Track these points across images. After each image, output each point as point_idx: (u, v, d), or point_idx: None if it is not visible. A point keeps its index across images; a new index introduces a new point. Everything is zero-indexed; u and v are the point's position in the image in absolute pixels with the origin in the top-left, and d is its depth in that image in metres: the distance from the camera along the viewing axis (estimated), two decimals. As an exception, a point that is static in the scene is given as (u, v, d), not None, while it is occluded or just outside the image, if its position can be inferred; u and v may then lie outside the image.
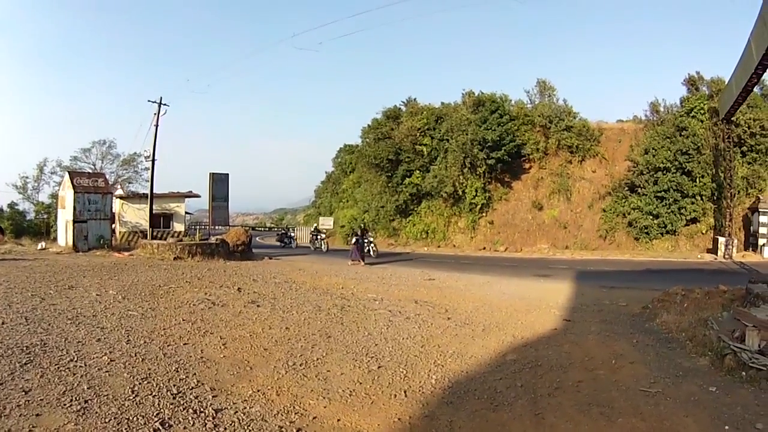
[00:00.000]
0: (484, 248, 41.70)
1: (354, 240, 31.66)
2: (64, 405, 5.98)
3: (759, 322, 9.13)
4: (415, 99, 53.33)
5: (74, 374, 7.11)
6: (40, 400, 6.07)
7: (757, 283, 13.69)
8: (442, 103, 51.68)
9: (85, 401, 6.14)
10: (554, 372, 8.56)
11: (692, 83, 42.91)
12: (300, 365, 8.50)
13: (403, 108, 53.18)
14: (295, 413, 6.44)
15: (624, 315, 13.49)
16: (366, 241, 32.59)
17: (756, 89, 36.34)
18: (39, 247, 31.34)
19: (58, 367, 7.34)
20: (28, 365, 7.32)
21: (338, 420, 6.34)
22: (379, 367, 8.57)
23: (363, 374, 8.20)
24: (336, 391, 7.31)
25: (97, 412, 5.86)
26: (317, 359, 8.90)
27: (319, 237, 41.90)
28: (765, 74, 27.90)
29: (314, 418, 6.36)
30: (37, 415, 5.65)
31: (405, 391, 7.49)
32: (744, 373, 7.95)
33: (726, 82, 34.96)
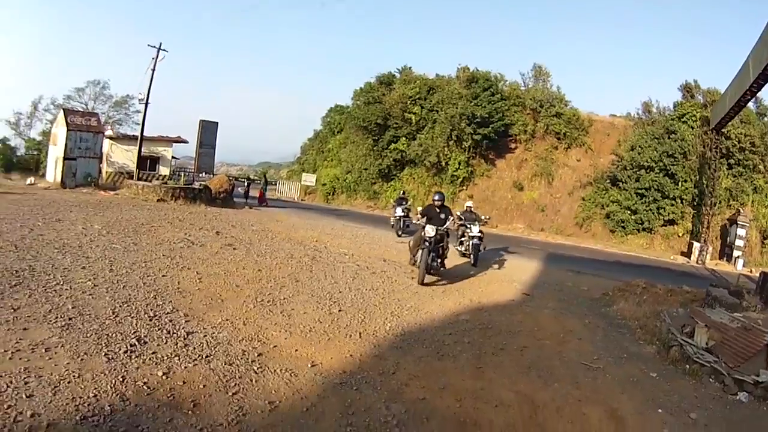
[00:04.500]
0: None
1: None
2: (50, 321, 6.49)
3: (711, 323, 9.57)
4: (410, 68, 53.17)
5: (60, 296, 7.61)
6: (28, 316, 6.56)
7: (718, 287, 14.24)
8: (437, 75, 51.57)
9: (69, 319, 6.66)
10: (502, 335, 9.13)
11: (688, 90, 43.11)
12: (267, 302, 9.12)
13: (398, 75, 53.01)
14: (258, 341, 7.05)
15: (583, 298, 13.88)
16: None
17: (752, 106, 36.90)
18: (27, 182, 31.19)
19: (45, 289, 7.81)
20: (17, 287, 7.76)
21: (296, 350, 6.95)
22: (339, 311, 9.19)
23: (324, 315, 8.80)
24: (297, 327, 7.92)
25: (80, 328, 6.40)
26: (284, 299, 9.50)
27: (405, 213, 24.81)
28: (759, 92, 28.25)
29: (275, 346, 6.97)
30: (24, 329, 6.14)
31: (360, 334, 8.11)
32: (687, 366, 8.44)
33: (721, 94, 35.02)
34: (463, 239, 18.23)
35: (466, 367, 7.31)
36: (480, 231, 17.64)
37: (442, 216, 14.13)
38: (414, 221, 19.10)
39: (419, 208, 17.09)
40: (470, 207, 19.60)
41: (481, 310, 10.85)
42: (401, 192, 30.08)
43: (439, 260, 13.85)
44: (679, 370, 8.37)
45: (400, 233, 23.38)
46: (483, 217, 19.17)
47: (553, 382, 7.19)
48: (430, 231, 13.21)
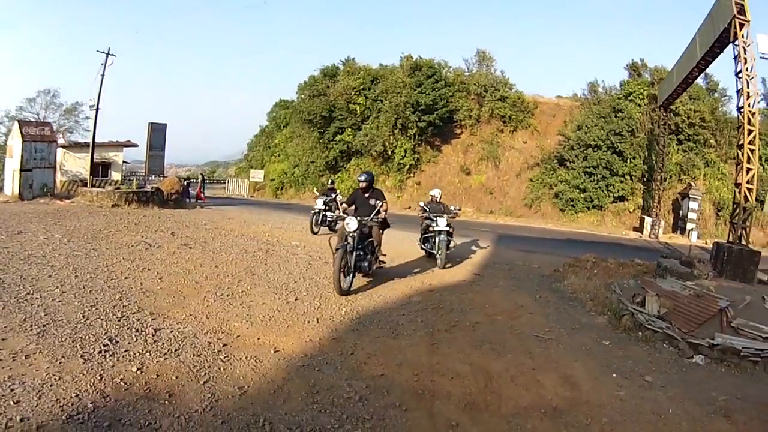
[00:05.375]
0: (410, 207, 41.35)
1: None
2: (26, 330, 6.70)
3: (662, 291, 10.11)
4: (353, 59, 53.47)
5: (32, 305, 7.81)
6: (4, 327, 6.74)
7: (669, 258, 14.85)
8: (381, 65, 52.00)
9: (44, 326, 6.90)
10: (454, 313, 9.58)
11: (634, 69, 43.93)
12: (227, 296, 9.50)
13: (341, 67, 53.24)
14: (222, 333, 7.41)
15: (534, 275, 14.36)
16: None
17: (701, 83, 37.92)
18: None
19: (17, 300, 8.00)
20: None
21: (258, 339, 7.32)
22: (296, 299, 9.62)
23: (282, 304, 9.22)
24: (257, 317, 8.31)
25: (54, 334, 6.65)
26: (242, 292, 9.91)
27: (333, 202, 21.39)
28: (707, 69, 28.75)
29: (238, 336, 7.33)
30: (3, 339, 6.33)
31: (317, 319, 8.51)
32: (640, 333, 8.93)
33: (668, 72, 35.31)
34: (428, 235, 15.51)
35: (421, 344, 7.69)
36: (448, 224, 14.81)
37: (372, 201, 11.63)
38: (334, 214, 16.69)
39: (340, 198, 16.08)
40: (436, 197, 16.33)
41: (432, 292, 11.27)
42: (330, 182, 27.52)
43: (370, 257, 11.38)
44: (632, 338, 8.81)
45: (315, 229, 20.40)
46: (452, 208, 16.30)
47: (507, 353, 7.55)
48: (351, 224, 10.68)
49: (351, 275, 10.71)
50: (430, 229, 15.13)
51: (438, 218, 14.74)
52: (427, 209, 15.68)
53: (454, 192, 43.09)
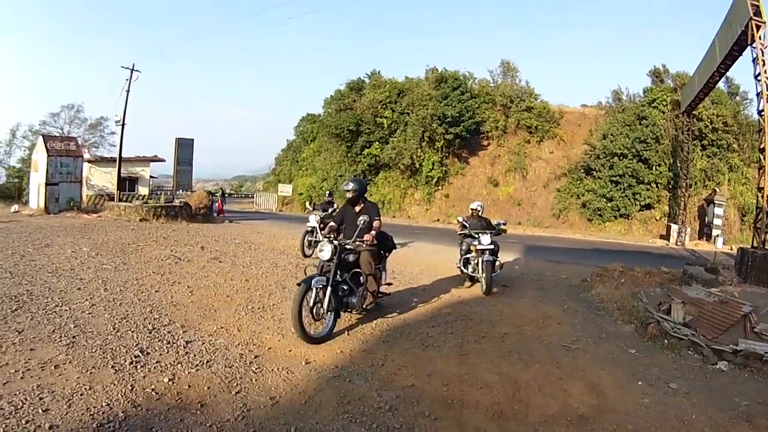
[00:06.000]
0: (438, 220, 42.32)
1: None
2: (55, 341, 6.80)
3: (688, 299, 9.96)
4: (379, 72, 53.65)
5: (61, 316, 7.93)
6: (33, 338, 6.84)
7: (694, 265, 14.75)
8: (406, 78, 52.12)
9: (73, 337, 6.98)
10: (483, 325, 9.50)
11: (657, 75, 43.85)
12: (258, 309, 9.54)
13: (367, 80, 53.48)
14: (254, 345, 7.43)
15: (562, 286, 14.23)
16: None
17: (723, 86, 37.62)
18: (12, 210, 31.08)
19: (46, 311, 8.13)
20: (19, 311, 8.06)
21: (290, 351, 7.32)
22: (327, 312, 9.52)
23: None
24: (289, 329, 8.20)
25: (84, 345, 6.73)
26: (273, 305, 9.93)
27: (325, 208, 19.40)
28: (727, 73, 28.77)
29: (269, 348, 7.34)
30: (31, 349, 6.42)
31: (348, 332, 8.48)
32: (666, 341, 8.79)
33: (690, 77, 35.28)
34: (469, 256, 13.06)
35: (451, 355, 7.65)
36: (493, 243, 12.63)
37: (362, 218, 8.69)
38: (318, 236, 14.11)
39: (317, 218, 14.80)
40: (477, 210, 14.14)
41: (461, 303, 11.21)
42: (327, 193, 21.70)
43: (362, 291, 8.77)
44: (658, 346, 8.69)
45: (307, 252, 17.17)
46: (496, 223, 13.86)
47: (534, 363, 7.50)
48: (325, 251, 8.34)
49: (332, 315, 8.20)
50: (472, 248, 12.86)
51: (481, 235, 12.76)
52: (467, 225, 13.59)
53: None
